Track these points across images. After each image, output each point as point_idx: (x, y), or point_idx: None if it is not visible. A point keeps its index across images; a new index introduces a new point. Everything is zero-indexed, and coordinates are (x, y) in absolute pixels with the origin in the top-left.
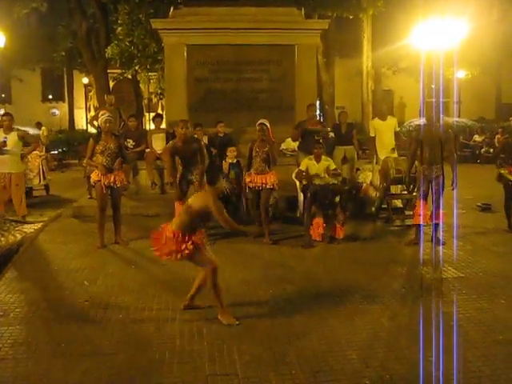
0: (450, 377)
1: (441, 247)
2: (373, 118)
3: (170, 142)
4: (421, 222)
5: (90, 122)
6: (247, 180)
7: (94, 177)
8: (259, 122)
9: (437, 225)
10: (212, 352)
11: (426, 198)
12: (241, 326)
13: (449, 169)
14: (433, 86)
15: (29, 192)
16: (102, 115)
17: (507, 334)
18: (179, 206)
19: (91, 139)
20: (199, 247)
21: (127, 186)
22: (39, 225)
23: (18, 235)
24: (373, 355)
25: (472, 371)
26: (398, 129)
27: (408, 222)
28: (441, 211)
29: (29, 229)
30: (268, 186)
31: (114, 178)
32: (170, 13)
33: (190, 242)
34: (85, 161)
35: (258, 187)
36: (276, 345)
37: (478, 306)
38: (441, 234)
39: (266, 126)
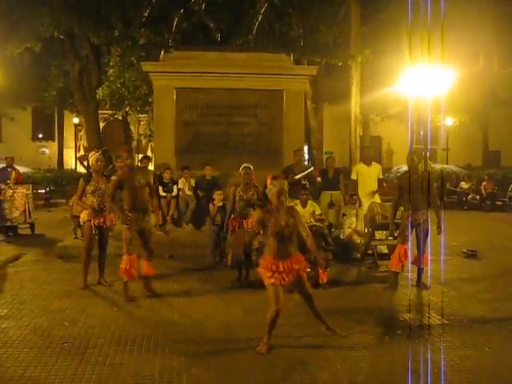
0: None
1: (426, 292)
2: (358, 163)
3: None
4: (401, 269)
5: (78, 158)
6: (230, 226)
7: (83, 217)
8: (243, 165)
9: (421, 270)
10: None
11: (406, 243)
12: (220, 371)
13: (434, 215)
14: (421, 133)
15: (15, 230)
16: (92, 155)
17: (491, 382)
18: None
19: (82, 179)
20: None
21: (114, 227)
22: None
23: None
24: None
25: None
26: (381, 176)
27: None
28: (424, 256)
29: None
30: (249, 228)
31: (104, 219)
32: (161, 56)
33: None
34: (72, 200)
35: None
36: None
37: (462, 353)
38: (428, 279)
39: (251, 169)
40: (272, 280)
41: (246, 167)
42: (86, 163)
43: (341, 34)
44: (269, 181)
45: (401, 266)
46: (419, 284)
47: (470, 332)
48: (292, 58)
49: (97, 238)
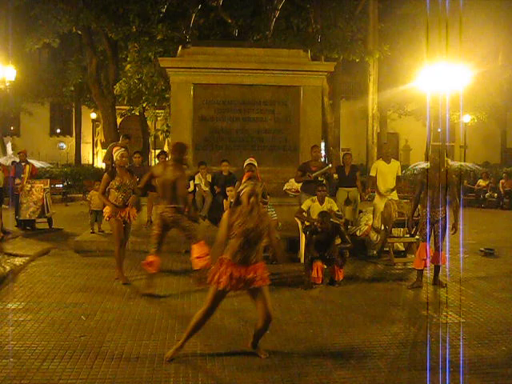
0: None
1: (443, 290)
2: (377, 159)
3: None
4: (424, 267)
5: (104, 159)
6: None
7: (107, 211)
8: (247, 162)
9: (438, 267)
10: None
11: (428, 241)
12: (235, 369)
13: (451, 213)
14: (439, 130)
15: (32, 225)
16: (117, 150)
17: (507, 381)
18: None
19: (106, 174)
20: None
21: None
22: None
23: (7, 267)
24: None
25: None
26: (400, 173)
27: (410, 265)
28: (441, 253)
29: (19, 261)
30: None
31: (128, 214)
32: (178, 52)
33: None
34: (90, 194)
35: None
36: None
37: (479, 352)
38: (447, 276)
39: (255, 165)
40: (221, 285)
41: (249, 164)
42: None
43: (358, 30)
44: (244, 179)
45: (423, 264)
46: (436, 282)
47: (486, 331)
48: (309, 54)
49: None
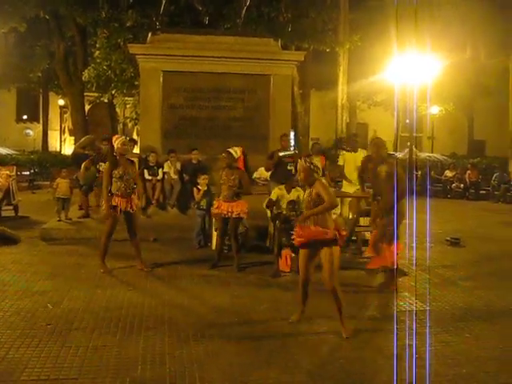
0: None
1: (410, 278)
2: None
3: None
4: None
5: (77, 147)
6: (214, 206)
7: (104, 212)
8: (227, 149)
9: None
10: (173, 378)
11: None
12: (203, 355)
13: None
14: (407, 121)
15: None
16: (117, 138)
17: (470, 367)
18: None
19: (108, 164)
20: None
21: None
22: None
23: None
24: None
25: None
26: None
27: None
28: (398, 242)
29: None
30: (234, 215)
31: (131, 203)
32: (148, 38)
33: None
34: (57, 182)
35: (225, 215)
36: (239, 373)
37: (443, 339)
38: (413, 265)
39: (231, 153)
40: (215, 210)
41: (227, 151)
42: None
43: (329, 20)
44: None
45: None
46: (396, 270)
47: (451, 318)
48: (280, 44)
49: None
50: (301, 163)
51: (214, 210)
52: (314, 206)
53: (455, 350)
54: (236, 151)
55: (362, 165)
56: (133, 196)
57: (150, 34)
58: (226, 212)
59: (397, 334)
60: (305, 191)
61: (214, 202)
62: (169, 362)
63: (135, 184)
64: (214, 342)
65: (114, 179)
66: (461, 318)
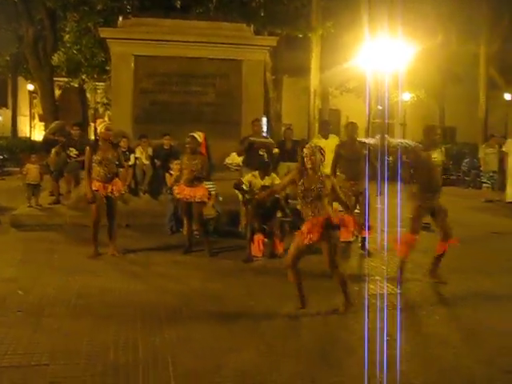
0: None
1: (380, 262)
2: (316, 136)
3: None
4: (350, 239)
5: (47, 133)
6: (176, 191)
7: (88, 196)
8: (190, 133)
9: (364, 238)
10: (146, 363)
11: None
12: (176, 340)
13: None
14: (379, 108)
15: None
16: (101, 122)
17: (441, 348)
18: None
19: (88, 148)
20: None
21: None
22: None
23: None
24: (310, 367)
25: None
26: None
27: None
28: (368, 225)
29: None
30: (197, 199)
31: (112, 188)
32: (119, 22)
33: None
34: (26, 167)
35: (187, 199)
36: (212, 357)
37: (414, 321)
38: (385, 249)
39: (195, 137)
40: (178, 195)
41: (191, 135)
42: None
43: (302, 6)
44: None
45: (350, 235)
46: (363, 249)
47: (422, 301)
48: (252, 29)
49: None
50: (311, 151)
51: (176, 195)
52: (317, 195)
53: (426, 331)
54: (200, 135)
55: (336, 151)
56: (115, 181)
57: (120, 18)
58: (188, 196)
59: (368, 316)
60: (301, 178)
61: (175, 188)
62: (141, 346)
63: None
64: (186, 327)
65: (93, 164)
66: (431, 301)
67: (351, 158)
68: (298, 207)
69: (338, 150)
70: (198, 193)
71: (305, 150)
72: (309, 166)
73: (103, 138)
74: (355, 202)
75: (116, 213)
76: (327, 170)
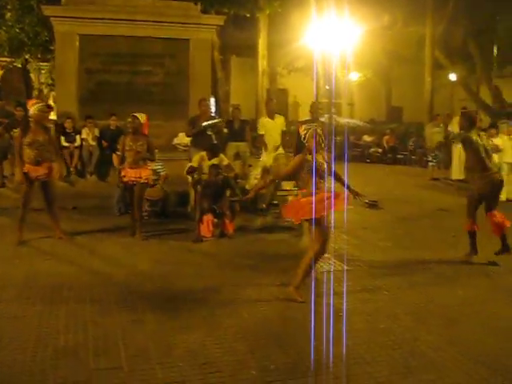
0: (336, 363)
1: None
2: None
3: None
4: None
5: None
6: (121, 174)
7: (18, 178)
8: (132, 114)
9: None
10: (97, 346)
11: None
12: (126, 322)
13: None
14: (327, 87)
15: None
16: (36, 103)
17: (388, 323)
18: None
19: (19, 130)
20: None
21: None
22: None
23: None
24: (259, 346)
25: (354, 358)
26: (284, 128)
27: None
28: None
29: None
30: (142, 181)
31: (46, 171)
32: (63, 0)
33: None
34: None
35: (132, 182)
36: (163, 338)
37: (363, 297)
38: (332, 227)
39: (138, 118)
40: (124, 179)
41: (132, 115)
42: None
43: None
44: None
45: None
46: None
47: (370, 277)
48: (200, 8)
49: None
50: (312, 131)
51: (122, 179)
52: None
53: (373, 307)
54: (142, 116)
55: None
56: (49, 164)
57: None
58: (134, 178)
59: (316, 293)
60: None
61: (121, 170)
62: (92, 329)
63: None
64: (136, 309)
65: (24, 146)
66: (379, 276)
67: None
68: (247, 187)
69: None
70: (142, 174)
71: (310, 131)
72: (321, 144)
73: (35, 119)
74: None
75: (53, 196)
76: (281, 149)
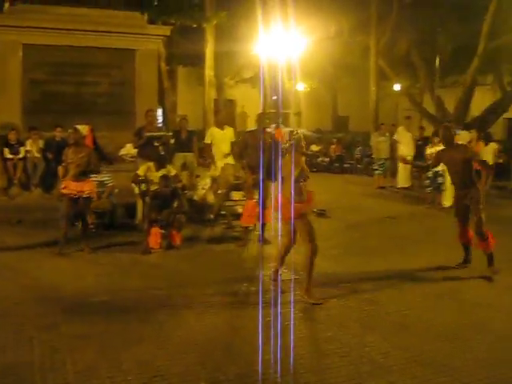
0: (285, 373)
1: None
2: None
3: None
4: (251, 224)
5: None
6: (62, 186)
7: None
8: (74, 126)
9: (264, 225)
10: (43, 363)
11: (253, 199)
12: (73, 336)
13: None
14: (274, 98)
15: None
16: None
17: (336, 330)
18: None
19: None
20: None
21: None
22: None
23: None
24: (209, 357)
25: (304, 366)
26: (233, 139)
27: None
28: (267, 211)
29: None
30: (85, 194)
31: None
32: (5, 8)
33: None
34: None
35: (75, 195)
36: (112, 352)
37: (312, 305)
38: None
39: (79, 130)
40: (64, 191)
41: (74, 127)
42: None
43: None
44: None
45: (252, 222)
46: (262, 239)
47: (319, 285)
48: (146, 18)
49: None
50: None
51: (62, 191)
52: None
53: (323, 315)
54: (84, 128)
55: (244, 139)
56: None
57: (7, 4)
58: (76, 192)
59: (265, 302)
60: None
61: (62, 182)
62: (37, 346)
63: None
64: (84, 323)
65: None
66: (328, 284)
67: (258, 148)
68: (195, 198)
69: (245, 138)
70: (85, 187)
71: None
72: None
73: None
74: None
75: None
76: (230, 159)
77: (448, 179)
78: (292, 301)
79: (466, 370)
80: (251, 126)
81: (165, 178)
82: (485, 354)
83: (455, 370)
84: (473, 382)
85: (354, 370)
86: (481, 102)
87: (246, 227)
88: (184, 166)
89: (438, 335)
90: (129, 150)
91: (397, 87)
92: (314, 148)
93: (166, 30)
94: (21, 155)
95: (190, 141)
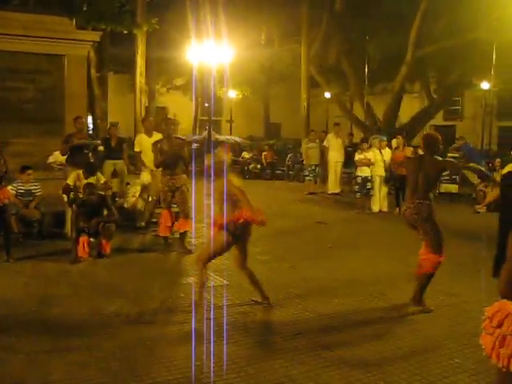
0: (217, 379)
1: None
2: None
3: None
4: (168, 234)
5: None
6: None
7: None
8: None
9: (184, 233)
10: None
11: (169, 208)
12: (3, 350)
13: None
14: (206, 105)
15: None
16: None
17: (268, 334)
18: None
19: None
20: None
21: None
22: None
23: None
24: (141, 365)
25: (237, 372)
26: None
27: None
28: (188, 220)
29: None
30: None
31: None
32: None
33: None
34: None
35: None
36: (40, 363)
37: (242, 310)
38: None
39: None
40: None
41: None
42: None
43: (126, 1)
44: None
45: (168, 231)
46: (182, 247)
47: (247, 291)
48: (75, 23)
49: None
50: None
51: None
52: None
53: (253, 319)
54: None
55: (157, 146)
56: None
57: None
58: None
59: (196, 309)
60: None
61: None
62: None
63: None
64: (11, 335)
65: None
66: (247, 289)
67: (169, 154)
68: (125, 205)
69: (157, 145)
70: (1, 195)
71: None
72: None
73: None
74: (171, 197)
75: None
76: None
77: (377, 184)
78: (224, 306)
79: None
80: (183, 133)
81: (89, 185)
82: None
83: None
84: None
85: (285, 373)
86: (409, 109)
87: (165, 237)
88: (114, 174)
89: (364, 337)
90: (57, 157)
91: (327, 95)
92: (246, 155)
93: (96, 36)
94: None
95: (120, 148)
